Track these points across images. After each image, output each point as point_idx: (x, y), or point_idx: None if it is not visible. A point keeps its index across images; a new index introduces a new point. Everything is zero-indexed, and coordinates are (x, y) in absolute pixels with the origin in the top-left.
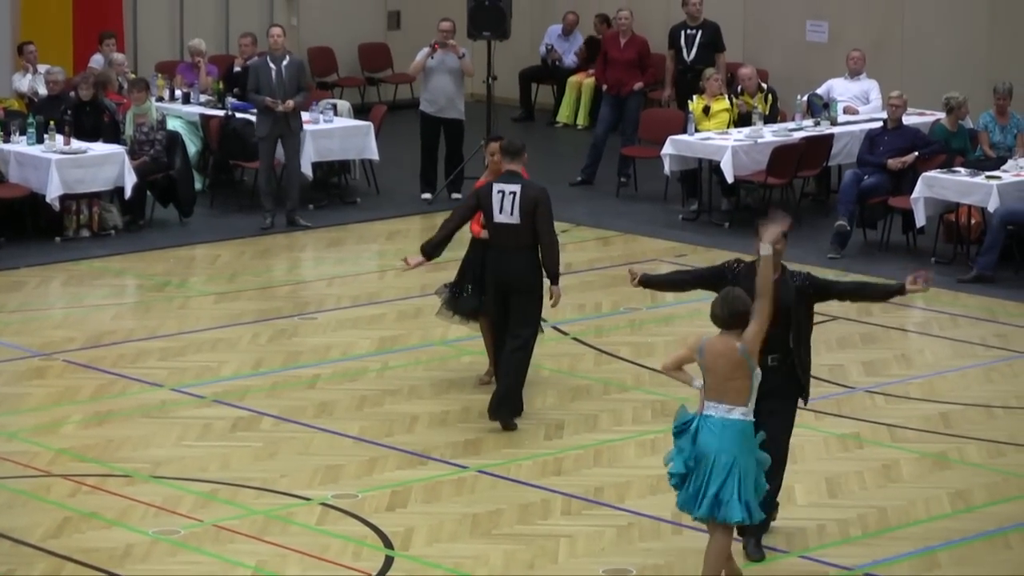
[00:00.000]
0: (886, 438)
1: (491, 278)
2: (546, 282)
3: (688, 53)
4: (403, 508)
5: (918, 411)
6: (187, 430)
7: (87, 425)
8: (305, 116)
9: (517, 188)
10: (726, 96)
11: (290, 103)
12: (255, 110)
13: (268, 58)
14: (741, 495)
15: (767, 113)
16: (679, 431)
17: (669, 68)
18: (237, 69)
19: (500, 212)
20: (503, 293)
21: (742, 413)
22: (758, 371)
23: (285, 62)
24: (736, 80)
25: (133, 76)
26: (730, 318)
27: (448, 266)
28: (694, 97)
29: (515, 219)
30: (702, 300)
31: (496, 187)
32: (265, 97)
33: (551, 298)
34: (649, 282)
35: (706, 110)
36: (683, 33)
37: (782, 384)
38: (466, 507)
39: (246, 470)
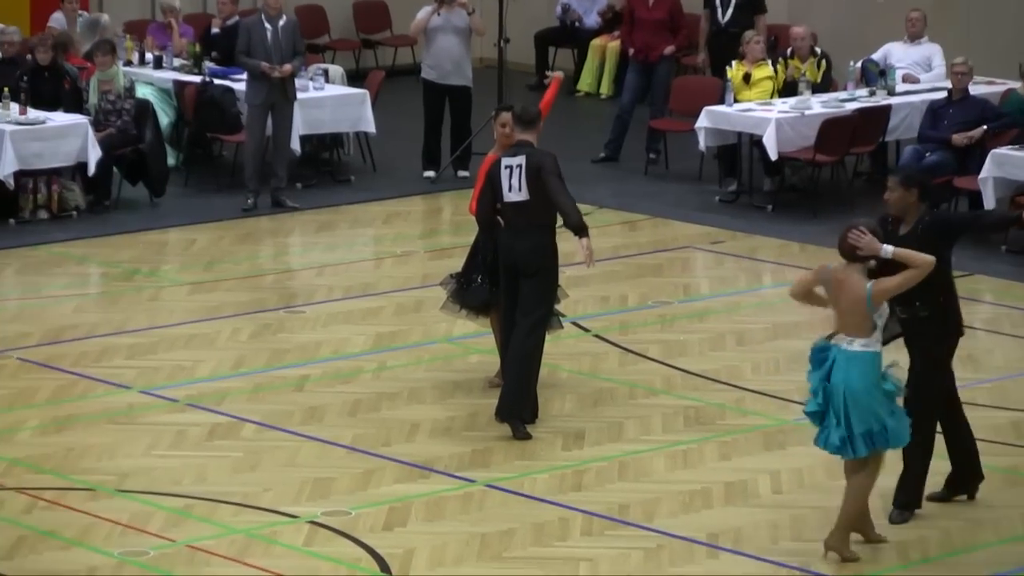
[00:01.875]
0: None
1: (502, 263)
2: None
3: (723, 14)
4: (402, 527)
5: (987, 419)
6: (158, 438)
7: (45, 432)
8: None
9: (522, 160)
10: (769, 62)
11: (288, 67)
12: (236, 77)
13: (262, 17)
14: (863, 427)
15: (818, 81)
16: (815, 361)
17: (703, 29)
18: (215, 31)
19: (509, 190)
20: (514, 278)
21: (862, 344)
22: (884, 308)
23: (282, 22)
24: (780, 43)
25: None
26: (850, 252)
27: (455, 253)
28: (732, 63)
29: (523, 195)
30: (740, 293)
31: (504, 162)
32: (260, 62)
33: (584, 257)
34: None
35: (746, 78)
36: None
37: (931, 329)
38: (473, 526)
39: (225, 483)
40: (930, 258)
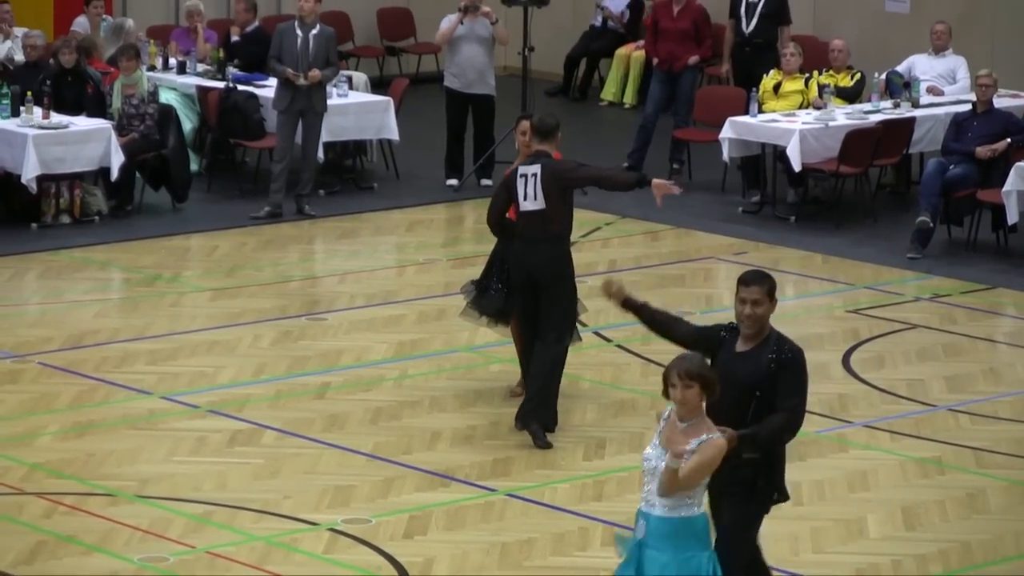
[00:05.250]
0: (971, 463)
1: (516, 275)
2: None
3: (747, 24)
4: (422, 535)
5: (1008, 433)
6: (178, 444)
7: (65, 437)
8: None
9: (538, 168)
10: (803, 77)
11: (316, 72)
12: (260, 83)
13: (296, 24)
14: None
15: (850, 85)
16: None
17: (728, 39)
18: (235, 38)
19: (525, 199)
20: (532, 289)
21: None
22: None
23: (315, 31)
24: (806, 55)
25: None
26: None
27: (477, 261)
28: (771, 71)
29: (539, 204)
30: None
31: (520, 171)
32: (286, 68)
33: (667, 189)
34: (630, 305)
35: (776, 88)
36: (744, 0)
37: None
38: (494, 535)
39: (245, 490)
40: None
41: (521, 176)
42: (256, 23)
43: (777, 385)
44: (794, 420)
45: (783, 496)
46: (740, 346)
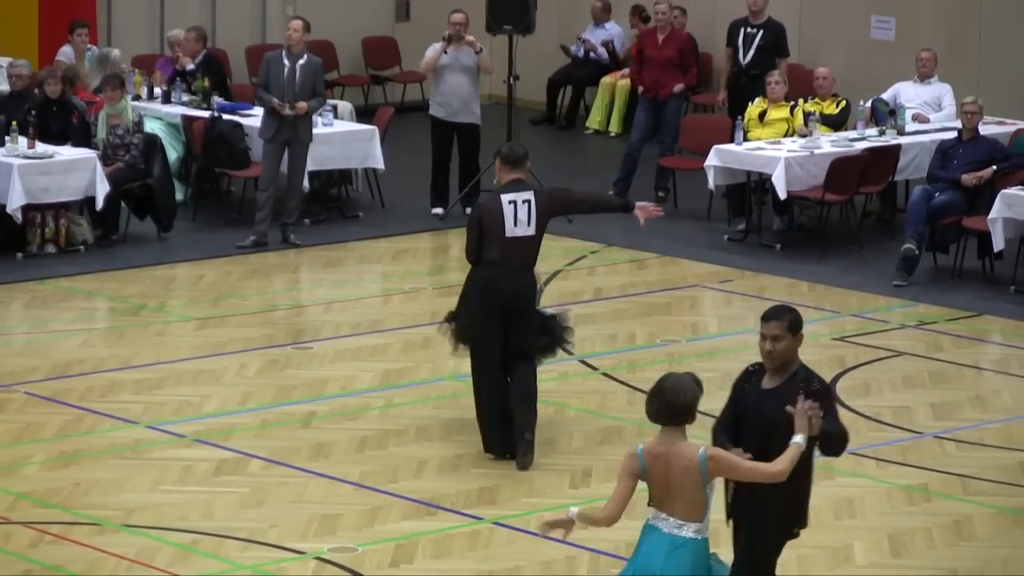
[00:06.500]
0: (958, 490)
1: (491, 302)
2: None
3: (744, 54)
4: (408, 564)
5: (994, 460)
6: (164, 473)
7: (51, 466)
8: None
9: (531, 195)
10: (788, 106)
11: (303, 105)
12: (245, 112)
13: (283, 53)
14: None
15: (835, 113)
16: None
17: (725, 68)
18: (190, 67)
19: (515, 224)
20: (505, 315)
21: (695, 531)
22: (714, 483)
23: (302, 61)
24: (792, 83)
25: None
26: (667, 414)
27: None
28: (755, 99)
29: (531, 230)
30: (748, 332)
31: (506, 198)
32: (272, 98)
33: (649, 213)
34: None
35: (762, 116)
36: (742, 31)
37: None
38: (480, 563)
39: (231, 519)
40: (782, 469)
41: (509, 203)
42: (204, 51)
43: None
44: (847, 435)
45: (804, 524)
46: (767, 382)
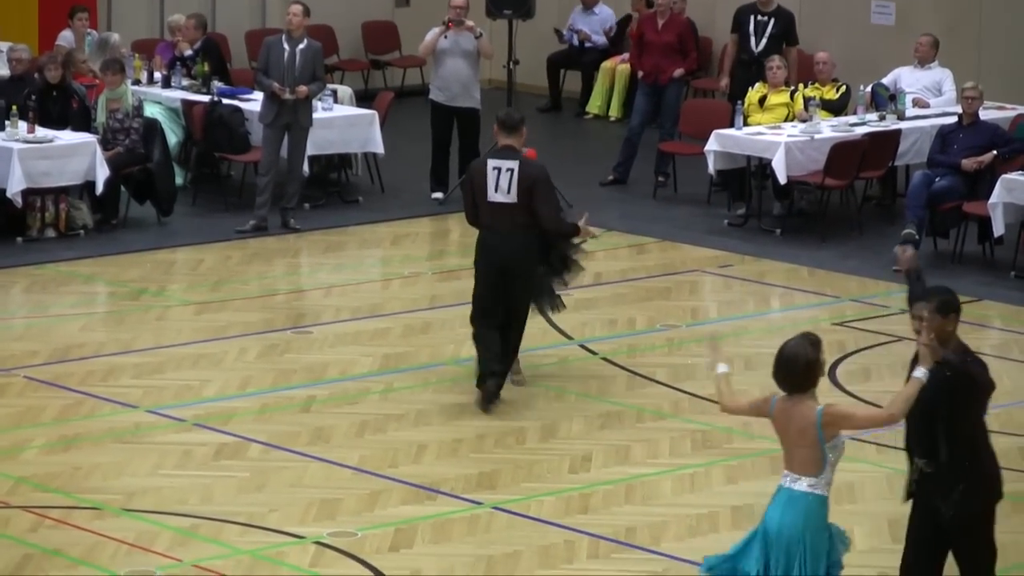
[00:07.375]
0: None
1: (486, 263)
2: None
3: (757, 42)
4: (408, 548)
5: (995, 445)
6: (164, 457)
7: (51, 451)
8: None
9: (515, 164)
10: (789, 91)
11: (303, 89)
12: (245, 96)
13: (283, 38)
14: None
15: (836, 99)
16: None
17: (730, 54)
18: (188, 53)
19: (496, 190)
20: (501, 277)
21: (809, 485)
22: (838, 443)
23: (302, 45)
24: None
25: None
26: (785, 380)
27: (462, 275)
28: (755, 84)
29: (511, 198)
30: (748, 317)
31: (492, 163)
32: (272, 82)
33: (586, 233)
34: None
35: (762, 101)
36: (752, 19)
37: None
38: (480, 548)
39: (231, 503)
40: (897, 411)
41: (494, 169)
42: (204, 37)
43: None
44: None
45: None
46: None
